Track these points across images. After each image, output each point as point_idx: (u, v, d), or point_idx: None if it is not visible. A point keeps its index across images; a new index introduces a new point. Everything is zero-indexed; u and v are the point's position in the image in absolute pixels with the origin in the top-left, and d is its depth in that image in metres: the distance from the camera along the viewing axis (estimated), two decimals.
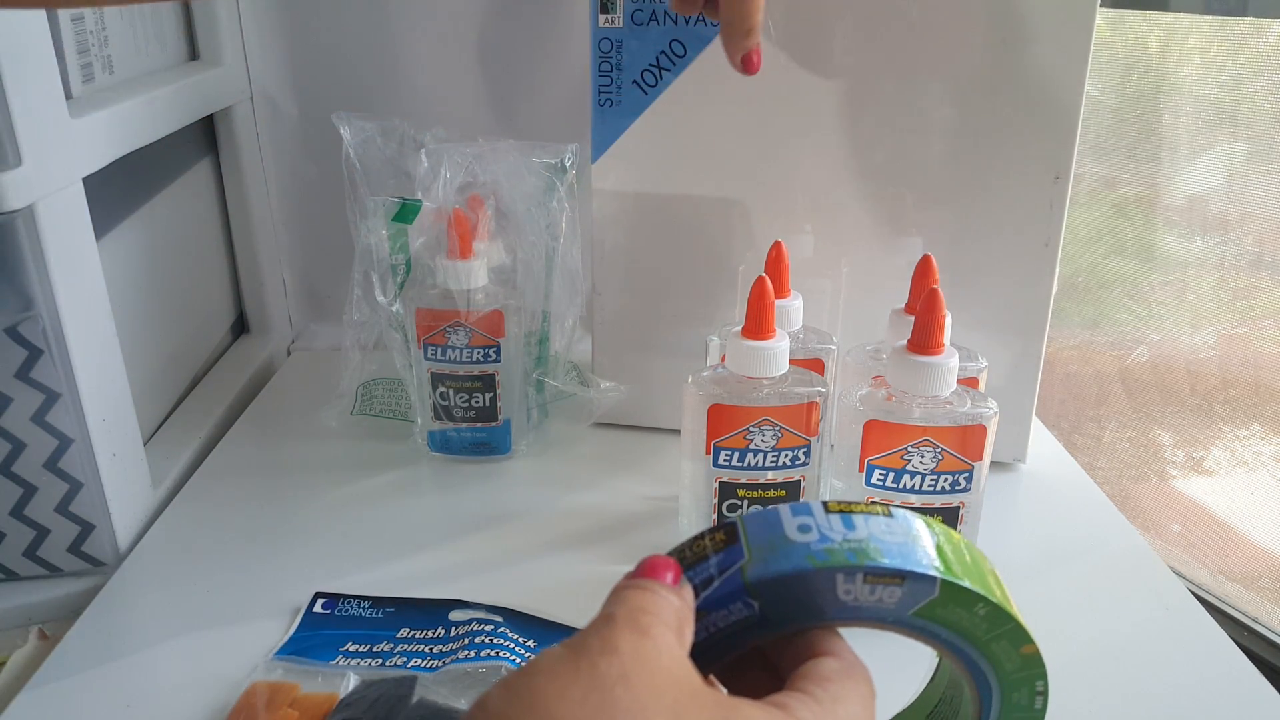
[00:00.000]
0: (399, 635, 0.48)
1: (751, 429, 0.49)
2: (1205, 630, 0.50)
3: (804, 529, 0.25)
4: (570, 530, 0.58)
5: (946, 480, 0.47)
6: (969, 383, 0.53)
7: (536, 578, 0.54)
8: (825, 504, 0.26)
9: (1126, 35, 0.83)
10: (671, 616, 0.24)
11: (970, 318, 0.59)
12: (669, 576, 0.25)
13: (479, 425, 0.64)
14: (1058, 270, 0.60)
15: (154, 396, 0.69)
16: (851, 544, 0.25)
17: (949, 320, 0.46)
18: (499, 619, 0.49)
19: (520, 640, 0.47)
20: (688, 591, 0.25)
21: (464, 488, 0.63)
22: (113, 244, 0.61)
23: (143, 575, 0.54)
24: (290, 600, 0.51)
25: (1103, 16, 0.55)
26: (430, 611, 0.50)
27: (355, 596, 0.51)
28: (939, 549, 0.26)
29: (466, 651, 0.46)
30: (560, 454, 0.67)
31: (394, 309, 0.62)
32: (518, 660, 0.45)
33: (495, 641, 0.46)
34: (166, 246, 0.71)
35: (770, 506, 0.27)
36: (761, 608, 0.25)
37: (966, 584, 0.25)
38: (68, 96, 0.52)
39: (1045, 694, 0.28)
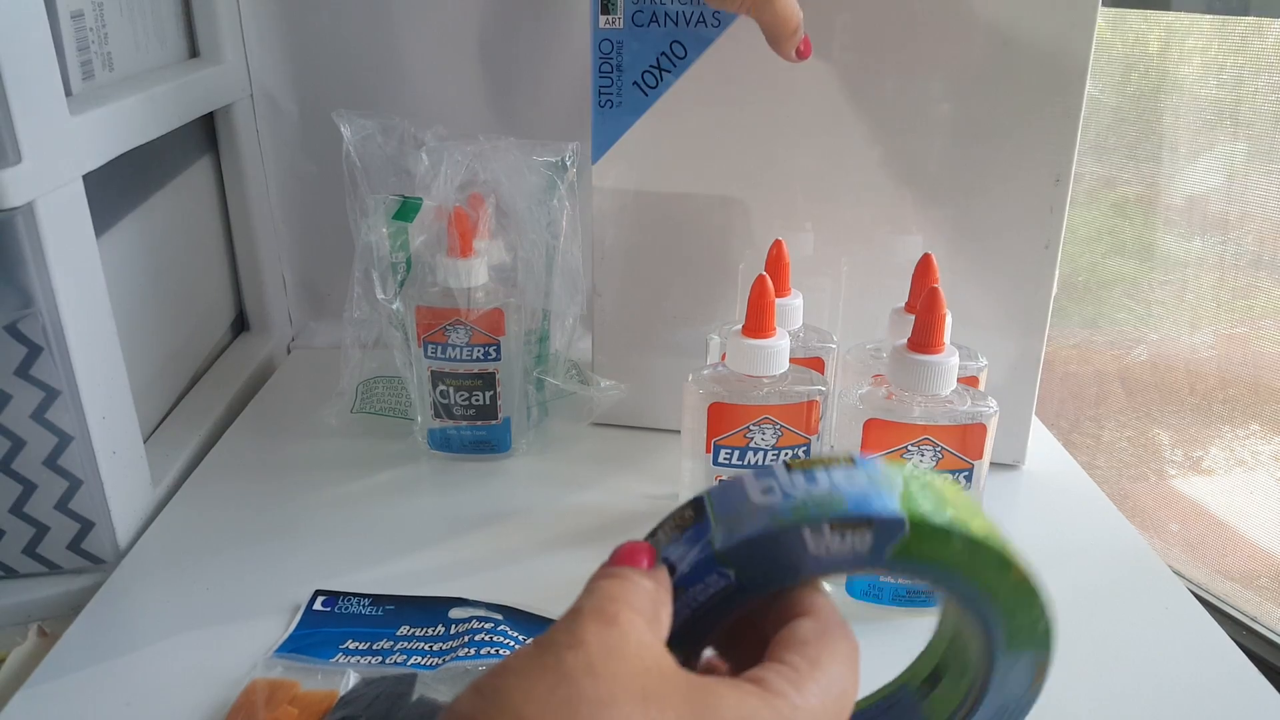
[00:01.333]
0: (399, 633, 0.48)
1: (752, 427, 0.49)
2: (1204, 629, 0.50)
3: (767, 491, 0.26)
4: (570, 528, 0.58)
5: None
6: (969, 382, 0.53)
7: (536, 576, 0.54)
8: (787, 463, 0.27)
9: (1126, 35, 0.83)
10: (643, 601, 0.24)
11: (970, 317, 0.59)
12: (644, 561, 0.25)
13: (479, 423, 0.64)
14: (1057, 271, 0.60)
15: (154, 394, 0.69)
16: (815, 497, 0.25)
17: (949, 319, 0.46)
18: (499, 617, 0.49)
19: (520, 638, 0.47)
20: (663, 573, 0.25)
21: (464, 486, 0.63)
22: (112, 241, 0.61)
23: (142, 573, 0.54)
24: (290, 598, 0.51)
25: (1103, 16, 0.55)
26: (430, 609, 0.50)
27: (355, 594, 0.51)
28: (906, 489, 0.25)
29: (466, 649, 0.46)
30: (560, 452, 0.67)
31: (394, 307, 0.62)
32: None
33: (495, 639, 0.46)
34: (166, 244, 0.70)
35: (735, 476, 0.27)
36: (737, 575, 0.25)
37: (936, 520, 0.25)
38: (68, 93, 0.52)
39: (1046, 617, 0.27)
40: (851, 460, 0.26)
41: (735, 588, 0.25)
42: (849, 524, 0.25)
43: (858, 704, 0.31)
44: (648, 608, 0.24)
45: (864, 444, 0.47)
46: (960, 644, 0.30)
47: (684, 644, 0.25)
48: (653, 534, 0.27)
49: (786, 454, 0.50)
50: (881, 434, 0.46)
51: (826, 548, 0.25)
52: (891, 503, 0.25)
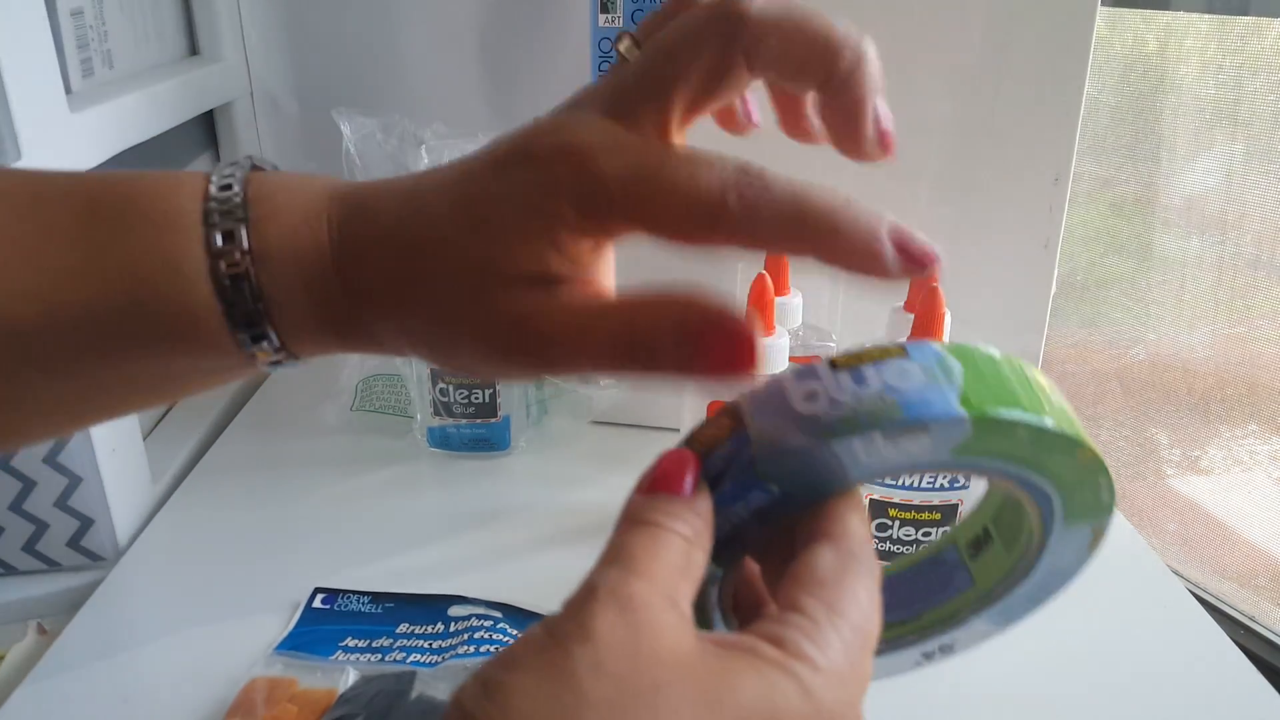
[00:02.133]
0: (398, 630, 0.48)
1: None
2: (1202, 628, 0.51)
3: (810, 397, 0.23)
4: (569, 526, 0.58)
5: (945, 477, 0.47)
6: None
7: (536, 573, 0.54)
8: (833, 361, 0.23)
9: (1125, 34, 0.83)
10: (674, 557, 0.22)
11: (969, 316, 0.59)
12: (686, 482, 0.23)
13: (478, 421, 0.64)
14: (1056, 270, 0.60)
15: None
16: (865, 405, 0.22)
17: (948, 318, 0.46)
18: (498, 614, 0.49)
19: (519, 636, 0.47)
20: (704, 500, 0.23)
21: (463, 484, 0.63)
22: None
23: (142, 570, 0.54)
24: (290, 595, 0.51)
25: (1101, 15, 0.55)
26: (430, 607, 0.50)
27: (355, 592, 0.51)
28: (965, 382, 0.22)
29: (466, 647, 0.46)
30: (559, 451, 0.68)
31: None
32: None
33: (494, 637, 0.46)
34: None
35: (773, 377, 0.24)
36: (781, 489, 0.23)
37: (1001, 414, 0.22)
38: (67, 91, 0.52)
39: (1110, 486, 0.25)
40: (903, 350, 0.23)
41: (780, 499, 0.23)
42: (906, 430, 0.22)
43: (900, 561, 0.30)
44: (677, 564, 0.22)
45: None
46: (1011, 512, 0.28)
47: (728, 549, 0.24)
48: (692, 440, 0.24)
49: None
50: None
51: (880, 457, 0.22)
52: (950, 402, 0.22)
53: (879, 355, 0.23)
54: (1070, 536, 0.26)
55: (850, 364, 0.23)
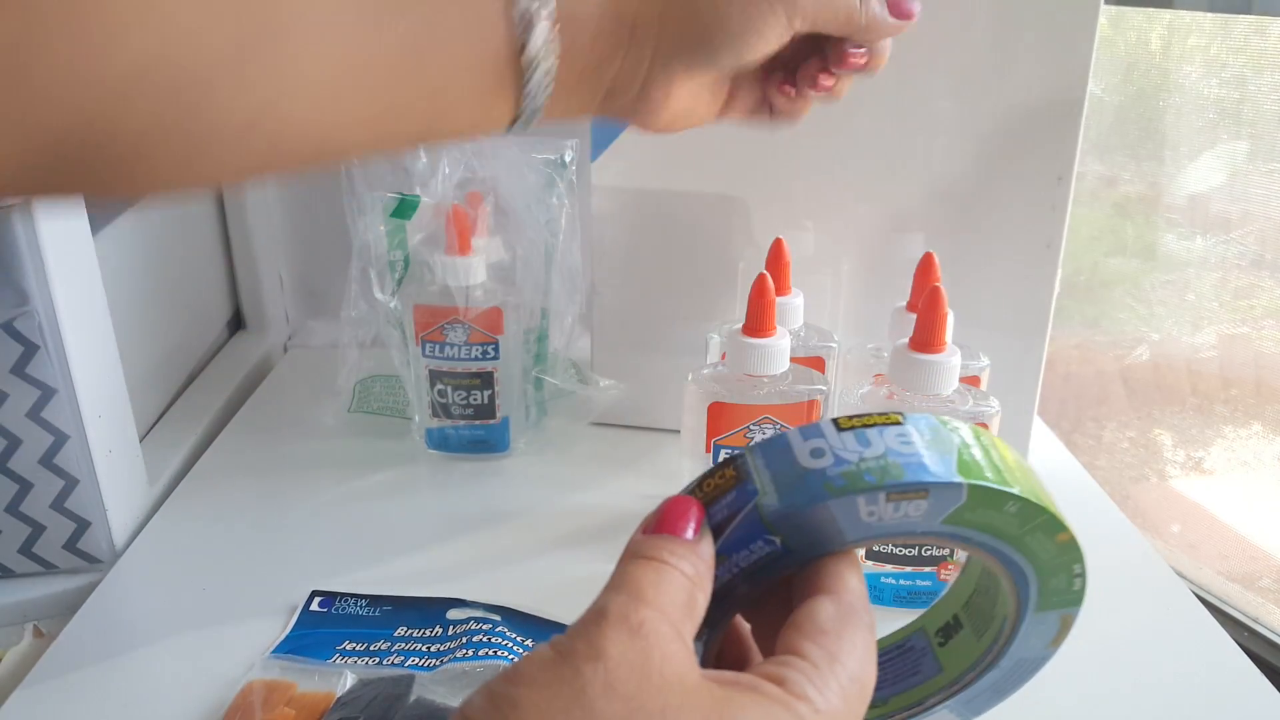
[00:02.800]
0: (396, 634, 0.48)
1: (752, 427, 0.49)
2: (1207, 630, 0.50)
3: (817, 453, 0.24)
4: (569, 529, 0.58)
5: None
6: (971, 381, 0.52)
7: (535, 576, 0.53)
8: (836, 422, 0.25)
9: (1128, 33, 0.82)
10: (678, 594, 0.23)
11: (972, 316, 0.59)
12: (689, 526, 0.24)
13: (477, 423, 0.64)
14: (1059, 270, 0.60)
15: (150, 392, 0.68)
16: (869, 463, 0.23)
17: (951, 318, 0.46)
18: (497, 618, 0.49)
19: (518, 639, 0.47)
20: (706, 544, 0.24)
21: (462, 486, 0.63)
22: (109, 239, 0.61)
23: (138, 572, 0.54)
24: (287, 598, 0.51)
25: (1104, 14, 0.55)
26: (428, 610, 0.49)
27: (352, 595, 0.51)
28: (961, 451, 0.24)
29: (464, 650, 0.45)
30: (559, 452, 0.67)
31: (392, 305, 0.62)
32: (516, 660, 0.45)
33: (493, 640, 0.46)
34: (163, 242, 0.70)
35: (779, 433, 0.25)
36: (783, 542, 0.24)
37: (994, 484, 0.24)
38: None
39: (1083, 575, 0.26)
40: (901, 419, 0.25)
41: (780, 553, 0.24)
42: (907, 493, 0.23)
43: None
44: (681, 600, 0.23)
45: None
46: (985, 598, 0.29)
47: (723, 604, 0.24)
48: (696, 488, 0.25)
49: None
50: None
51: (879, 516, 0.24)
52: (950, 468, 0.23)
53: (881, 420, 0.25)
54: (1040, 625, 0.27)
55: (854, 426, 0.24)
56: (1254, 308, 0.78)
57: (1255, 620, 0.72)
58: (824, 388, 0.49)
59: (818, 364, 0.55)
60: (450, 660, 0.45)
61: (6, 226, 0.46)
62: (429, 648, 0.46)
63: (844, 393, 0.49)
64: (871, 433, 0.24)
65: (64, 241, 0.50)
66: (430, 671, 0.44)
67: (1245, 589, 0.75)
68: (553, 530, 0.58)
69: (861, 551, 0.49)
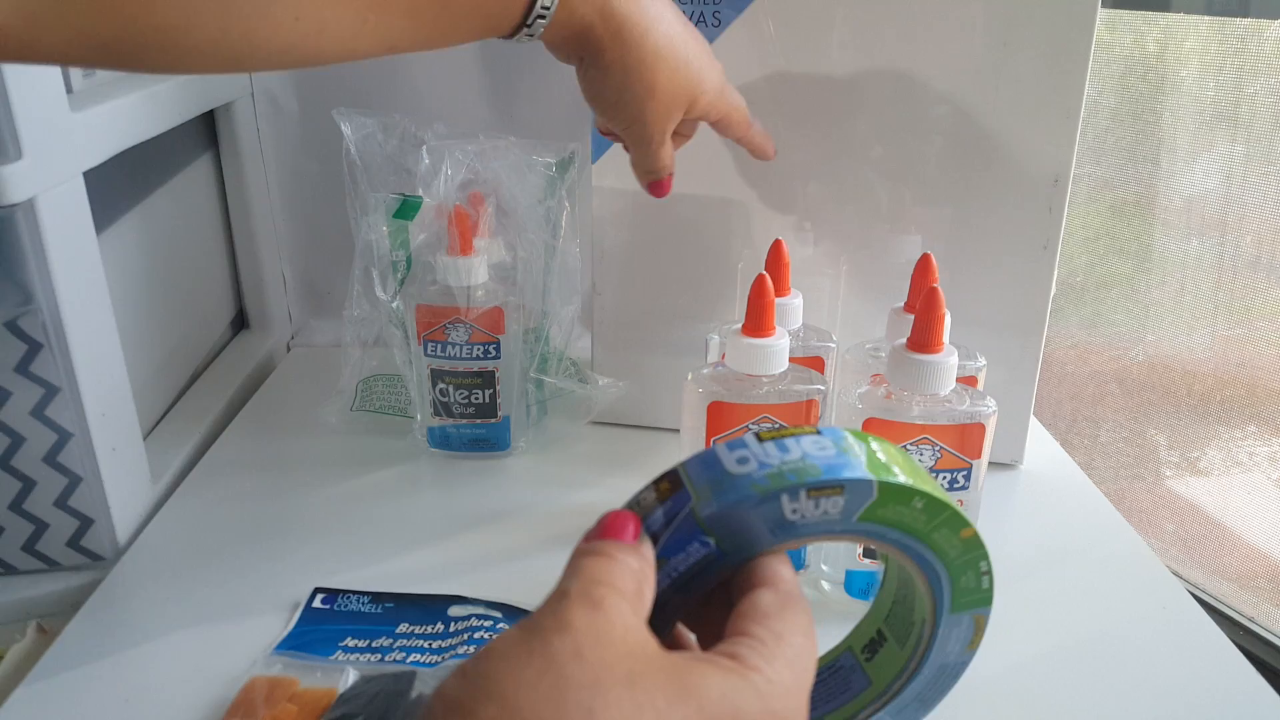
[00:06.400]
0: (398, 631, 0.48)
1: (751, 427, 0.49)
2: (1202, 629, 0.51)
3: (742, 461, 0.26)
4: (569, 527, 0.58)
5: (945, 478, 0.47)
6: (968, 381, 0.53)
7: (535, 574, 0.54)
8: (758, 434, 0.27)
9: (1125, 36, 0.83)
10: (628, 581, 0.24)
11: (969, 316, 0.59)
12: (629, 532, 0.26)
13: (478, 422, 0.64)
14: (1056, 271, 0.60)
15: (153, 391, 0.69)
16: (790, 465, 0.26)
17: (948, 319, 0.46)
18: (498, 614, 0.49)
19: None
20: (647, 546, 0.26)
21: (463, 484, 0.63)
22: (113, 238, 0.61)
23: (142, 570, 0.54)
24: (289, 595, 0.51)
25: (1101, 17, 0.55)
26: (429, 607, 0.50)
27: (354, 592, 0.51)
28: (870, 455, 0.27)
29: (466, 647, 0.46)
30: (559, 451, 0.68)
31: (394, 305, 0.62)
32: None
33: (494, 637, 0.46)
34: (167, 241, 0.70)
35: (707, 448, 0.28)
36: (718, 543, 0.26)
37: (901, 480, 0.26)
38: (68, 90, 0.52)
39: (990, 573, 0.29)
40: (817, 430, 0.28)
41: (715, 556, 0.26)
42: (824, 489, 0.26)
43: None
44: (632, 587, 0.24)
45: None
46: (903, 609, 0.31)
47: (663, 613, 0.26)
48: (634, 503, 0.27)
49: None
50: (880, 433, 0.46)
51: (802, 514, 0.26)
52: (860, 468, 0.26)
53: (797, 431, 0.28)
54: (956, 627, 0.30)
55: (774, 436, 0.27)
56: (1250, 309, 0.78)
57: (1251, 619, 0.73)
58: (823, 388, 0.49)
59: (817, 364, 0.56)
60: (452, 657, 0.45)
61: (11, 225, 0.47)
62: (431, 644, 0.47)
63: (842, 392, 0.49)
64: (790, 441, 0.27)
65: (68, 240, 0.50)
66: (432, 668, 0.45)
67: (1241, 588, 0.76)
68: (553, 528, 0.58)
69: (860, 551, 0.50)
